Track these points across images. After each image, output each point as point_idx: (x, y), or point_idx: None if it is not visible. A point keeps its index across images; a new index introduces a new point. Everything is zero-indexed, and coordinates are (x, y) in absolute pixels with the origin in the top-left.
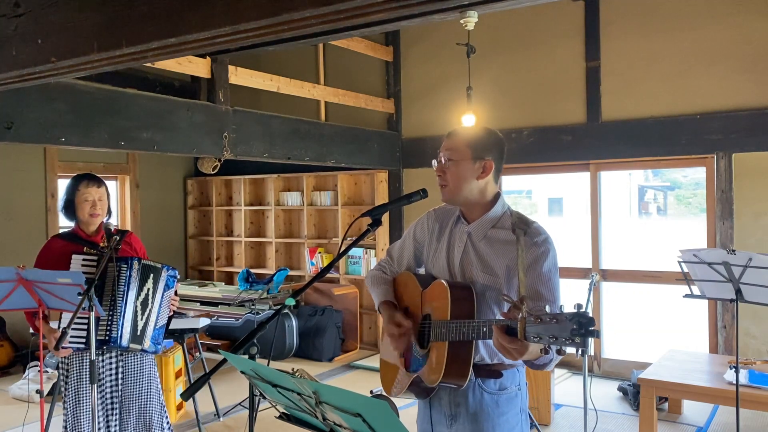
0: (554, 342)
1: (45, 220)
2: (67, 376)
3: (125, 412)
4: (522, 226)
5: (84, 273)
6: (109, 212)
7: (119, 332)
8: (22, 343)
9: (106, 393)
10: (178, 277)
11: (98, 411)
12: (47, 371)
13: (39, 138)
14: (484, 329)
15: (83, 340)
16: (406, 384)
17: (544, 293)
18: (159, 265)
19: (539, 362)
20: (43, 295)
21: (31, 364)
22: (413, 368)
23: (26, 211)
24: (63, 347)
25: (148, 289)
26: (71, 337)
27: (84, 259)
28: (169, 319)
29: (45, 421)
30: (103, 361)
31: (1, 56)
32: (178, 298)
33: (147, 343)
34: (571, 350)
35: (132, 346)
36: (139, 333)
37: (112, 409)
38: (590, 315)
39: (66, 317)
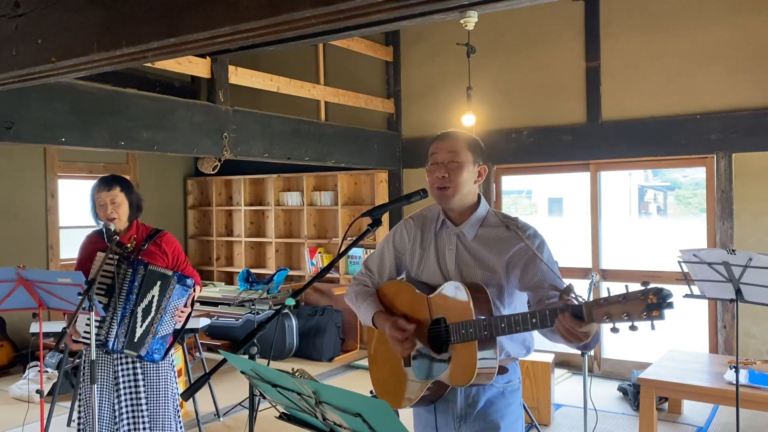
0: (627, 319)
1: (45, 220)
2: (82, 375)
3: (141, 416)
4: (511, 221)
5: (104, 271)
6: (138, 209)
7: (114, 336)
8: (22, 343)
9: (121, 396)
10: (193, 287)
11: (116, 413)
12: (47, 371)
13: (39, 138)
14: (534, 320)
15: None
16: (420, 392)
17: (555, 280)
18: (169, 273)
19: (591, 342)
20: (43, 295)
21: (31, 364)
22: (427, 375)
23: (26, 211)
24: (75, 341)
25: (153, 297)
26: (83, 332)
27: (106, 258)
28: (177, 331)
29: (45, 421)
30: (121, 364)
31: (1, 56)
32: (188, 310)
33: (144, 351)
34: (642, 323)
35: (127, 351)
36: (136, 340)
37: (128, 413)
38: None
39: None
